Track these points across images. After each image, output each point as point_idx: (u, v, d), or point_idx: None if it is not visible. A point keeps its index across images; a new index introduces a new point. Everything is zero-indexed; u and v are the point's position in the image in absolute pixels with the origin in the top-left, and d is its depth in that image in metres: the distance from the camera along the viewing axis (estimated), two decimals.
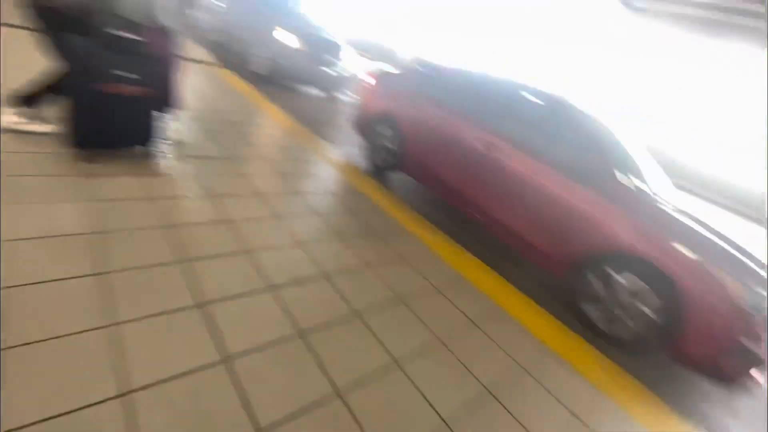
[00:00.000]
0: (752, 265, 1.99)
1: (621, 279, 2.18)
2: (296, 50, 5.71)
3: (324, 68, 6.00)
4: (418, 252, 2.33)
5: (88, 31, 1.90)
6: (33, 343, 1.07)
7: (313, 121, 4.80)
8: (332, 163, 3.32)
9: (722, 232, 2.24)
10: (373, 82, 3.79)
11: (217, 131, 3.09)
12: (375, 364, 1.41)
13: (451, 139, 3.04)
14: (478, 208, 2.85)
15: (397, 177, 3.87)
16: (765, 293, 1.90)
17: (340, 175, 3.09)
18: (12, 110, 2.03)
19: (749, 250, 2.15)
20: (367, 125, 3.77)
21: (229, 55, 7.14)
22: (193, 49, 5.97)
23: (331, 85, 6.28)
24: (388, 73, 3.75)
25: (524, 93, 2.91)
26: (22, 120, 2.05)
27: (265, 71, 5.90)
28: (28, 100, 2.01)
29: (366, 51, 17.48)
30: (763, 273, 1.96)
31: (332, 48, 6.17)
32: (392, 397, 1.30)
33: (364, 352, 1.45)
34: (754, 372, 1.93)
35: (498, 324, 1.90)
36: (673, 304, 2.01)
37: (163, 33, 2.14)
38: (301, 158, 3.16)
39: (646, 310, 2.10)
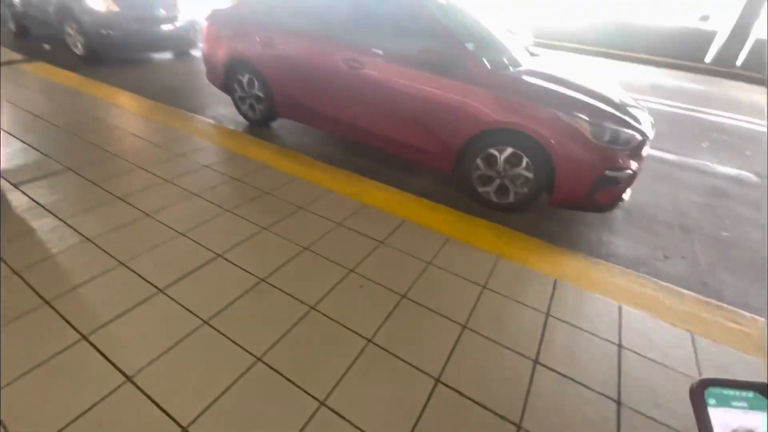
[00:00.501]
0: (602, 105, 2.23)
1: (497, 153, 2.36)
2: (117, 13, 4.79)
3: (157, 26, 5.15)
4: (313, 194, 2.31)
5: None
6: None
7: (165, 91, 4.23)
8: (200, 132, 3.02)
9: (572, 81, 2.45)
10: (208, 26, 3.33)
11: (48, 141, 2.62)
12: (291, 317, 1.45)
13: (315, 67, 2.84)
14: (359, 129, 2.82)
15: (278, 124, 3.65)
16: (616, 127, 2.15)
17: (212, 144, 2.84)
18: None
19: (597, 90, 2.40)
20: (223, 77, 3.39)
21: (39, 42, 5.84)
22: None
23: (172, 43, 5.47)
24: (220, 11, 3.30)
25: None
26: None
27: (88, 50, 4.95)
28: None
29: None
30: (612, 110, 2.21)
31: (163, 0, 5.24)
32: (312, 338, 1.37)
33: (278, 310, 1.47)
34: (623, 194, 2.27)
35: (404, 235, 2.02)
36: (542, 160, 2.24)
37: None
38: (162, 139, 2.83)
39: (525, 172, 2.32)
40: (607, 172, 2.16)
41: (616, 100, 2.41)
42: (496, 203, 2.51)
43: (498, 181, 2.44)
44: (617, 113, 2.22)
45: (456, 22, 2.69)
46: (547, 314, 1.61)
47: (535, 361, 1.37)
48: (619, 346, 1.49)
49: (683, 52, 10.15)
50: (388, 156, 3.13)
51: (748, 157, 4.10)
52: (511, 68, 2.48)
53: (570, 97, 2.23)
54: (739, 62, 9.44)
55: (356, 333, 1.41)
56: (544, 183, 2.31)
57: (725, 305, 1.77)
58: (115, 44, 4.91)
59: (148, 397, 1.13)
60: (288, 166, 2.62)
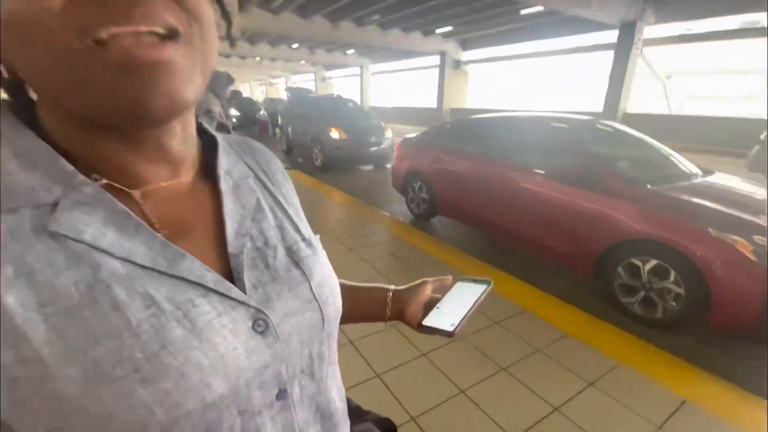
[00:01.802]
0: (755, 219, 2.04)
1: (640, 263, 2.32)
2: (346, 140, 6.92)
3: (368, 147, 7.11)
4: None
5: None
6: None
7: (363, 191, 5.65)
8: (380, 219, 3.98)
9: (741, 199, 2.31)
10: (399, 148, 4.56)
11: None
12: (441, 395, 1.64)
13: (470, 177, 3.53)
14: (505, 229, 3.20)
15: (436, 219, 4.36)
16: None
17: (385, 229, 3.72)
18: None
19: (747, 201, 2.20)
20: (402, 183, 4.46)
21: (297, 157, 8.70)
22: None
23: (376, 159, 7.36)
24: (408, 139, 4.52)
25: (518, 126, 3.38)
26: None
27: (323, 163, 7.19)
28: None
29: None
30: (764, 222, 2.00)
31: (376, 129, 7.35)
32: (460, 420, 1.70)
33: (430, 383, 1.71)
34: None
35: (563, 347, 2.00)
36: (693, 276, 2.10)
37: None
38: (353, 222, 3.88)
39: (674, 287, 2.19)
40: None
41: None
42: (641, 316, 2.36)
43: (642, 293, 2.34)
44: None
45: (607, 145, 3.00)
46: (659, 429, 1.48)
47: None
48: None
49: None
50: (529, 256, 3.33)
51: None
52: (669, 184, 2.51)
53: (728, 215, 2.11)
54: None
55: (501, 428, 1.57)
56: (700, 301, 2.11)
57: None
58: (341, 159, 7.03)
59: None
60: (435, 251, 3.18)
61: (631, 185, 2.47)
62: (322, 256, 0.42)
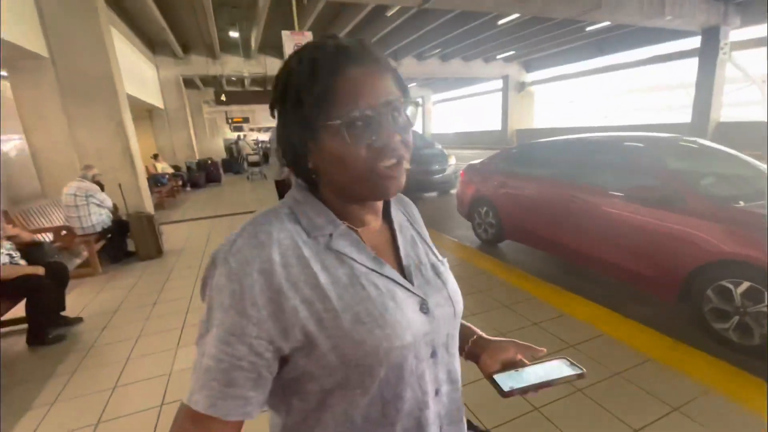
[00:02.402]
0: None
1: (732, 286, 2.17)
2: (409, 169, 7.19)
3: (432, 175, 7.31)
4: (521, 301, 2.78)
5: None
6: None
7: (429, 219, 5.82)
8: (447, 246, 4.12)
9: None
10: (463, 174, 4.70)
11: None
12: (515, 410, 1.71)
13: (538, 201, 3.55)
14: (578, 252, 3.15)
15: (507, 246, 4.36)
16: None
17: (453, 255, 3.84)
18: None
19: None
20: (468, 209, 4.56)
21: None
22: None
23: (439, 186, 7.52)
24: (472, 165, 4.65)
25: (589, 149, 3.36)
26: None
27: None
28: None
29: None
30: None
31: (438, 157, 7.56)
32: None
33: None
34: None
35: (648, 372, 1.94)
36: None
37: None
38: None
39: None
40: None
41: None
42: (738, 344, 2.19)
43: (736, 318, 2.18)
44: None
45: (690, 163, 2.88)
46: None
47: None
48: None
49: None
50: (607, 280, 3.22)
51: None
52: (759, 201, 2.34)
53: None
54: None
55: None
56: None
57: None
58: (404, 188, 7.31)
59: None
60: (504, 275, 3.23)
61: (716, 203, 2.35)
62: (450, 272, 0.63)
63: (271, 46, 12.70)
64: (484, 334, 0.68)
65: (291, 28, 8.16)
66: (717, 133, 11.45)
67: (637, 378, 1.89)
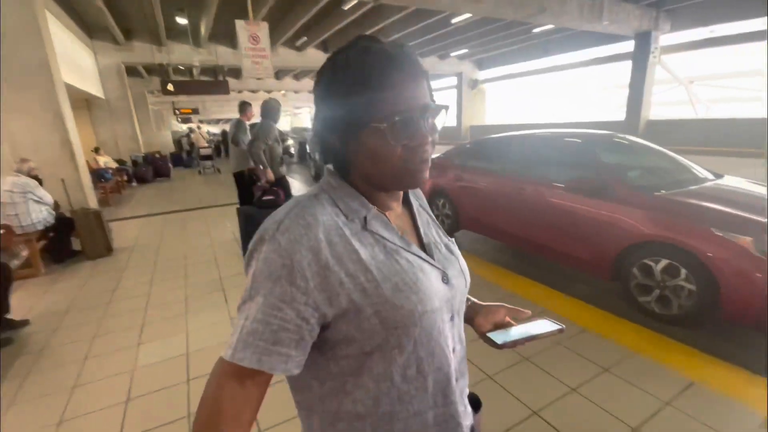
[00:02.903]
0: (759, 218, 2.21)
1: (653, 263, 2.51)
2: None
3: None
4: (474, 285, 3.00)
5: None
6: None
7: None
8: None
9: (745, 200, 2.49)
10: None
11: None
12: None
13: (493, 193, 3.80)
14: (529, 241, 3.43)
15: (462, 234, 4.61)
16: None
17: None
18: None
19: (752, 202, 2.37)
20: (427, 201, 4.76)
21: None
22: (301, 187, 8.01)
23: None
24: (432, 159, 4.86)
25: (535, 144, 3.65)
26: None
27: None
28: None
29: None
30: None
31: None
32: None
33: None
34: None
35: (583, 340, 2.23)
36: (702, 272, 2.28)
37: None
38: None
39: (685, 284, 2.37)
40: None
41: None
42: (658, 314, 2.54)
43: (657, 292, 2.53)
44: None
45: (621, 157, 3.23)
46: (667, 404, 1.68)
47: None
48: None
49: None
50: (552, 264, 3.54)
51: None
52: (677, 189, 2.72)
53: (728, 214, 2.31)
54: None
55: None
56: (711, 296, 2.28)
57: None
58: None
59: None
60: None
61: (639, 192, 2.69)
62: (458, 249, 0.71)
63: (222, 34, 12.19)
64: (477, 300, 0.78)
65: (244, 16, 7.91)
66: (647, 130, 12.64)
67: (575, 345, 2.16)
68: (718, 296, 2.23)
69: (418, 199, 0.72)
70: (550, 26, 12.11)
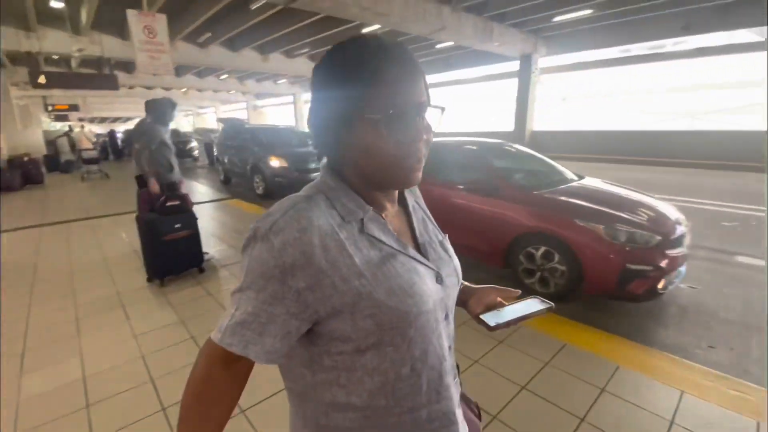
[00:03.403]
0: (620, 213, 2.81)
1: (534, 251, 3.00)
2: (287, 168, 7.20)
3: (311, 173, 7.44)
4: None
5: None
6: None
7: None
8: None
9: (600, 196, 3.13)
10: None
11: (237, 244, 4.25)
12: None
13: None
14: None
15: None
16: (632, 229, 2.68)
17: None
18: None
19: (605, 198, 3.01)
20: None
21: (236, 186, 8.77)
22: (209, 192, 7.54)
23: None
24: None
25: (439, 150, 4.04)
26: None
27: (265, 190, 7.39)
28: None
29: None
30: (629, 216, 2.78)
31: (315, 155, 7.69)
32: None
33: None
34: (657, 285, 2.60)
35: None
36: (570, 255, 2.80)
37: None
38: None
39: (558, 266, 2.88)
40: (630, 266, 2.59)
41: (643, 208, 2.94)
42: (540, 293, 3.02)
43: (539, 274, 3.02)
44: (634, 218, 2.74)
45: (509, 162, 3.75)
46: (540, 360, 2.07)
47: (582, 419, 1.73)
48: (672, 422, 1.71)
49: None
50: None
51: None
52: (550, 188, 3.27)
53: (586, 207, 2.88)
54: None
55: None
56: (577, 275, 2.81)
57: None
58: (283, 186, 7.26)
59: None
60: None
61: (522, 191, 3.19)
62: (452, 247, 0.72)
63: (110, 23, 10.84)
64: (468, 283, 0.78)
65: (138, 6, 7.21)
66: (531, 140, 14.57)
67: (473, 324, 2.48)
68: (583, 274, 2.77)
69: (413, 195, 0.72)
70: (450, 43, 13.22)
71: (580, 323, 2.54)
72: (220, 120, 14.27)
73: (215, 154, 9.81)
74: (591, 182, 3.66)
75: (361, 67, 0.51)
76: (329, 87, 0.54)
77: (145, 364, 2.19)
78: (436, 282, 0.61)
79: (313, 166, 7.49)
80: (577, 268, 2.78)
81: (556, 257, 2.88)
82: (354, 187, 0.58)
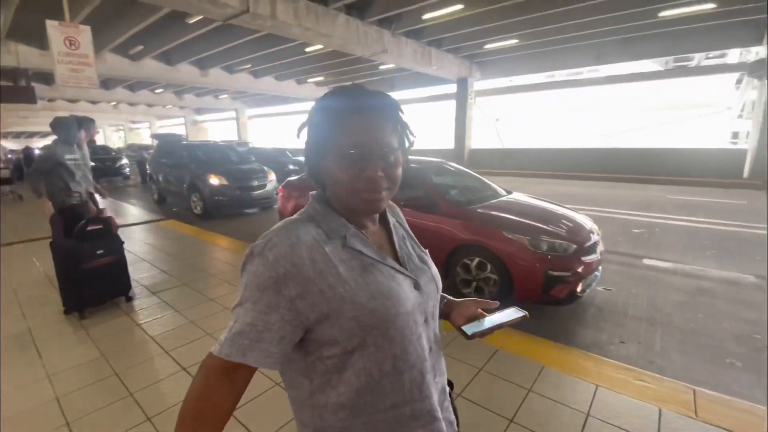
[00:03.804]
0: (541, 224, 3.07)
1: (469, 261, 3.18)
2: (227, 186, 6.94)
3: (251, 192, 7.22)
4: None
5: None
6: None
7: (251, 235, 5.79)
8: None
9: (525, 210, 3.40)
10: (282, 190, 4.97)
11: (172, 267, 4.00)
12: None
13: None
14: None
15: None
16: (552, 240, 2.94)
17: None
18: None
19: (529, 211, 3.28)
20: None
21: (171, 206, 8.26)
22: (141, 213, 7.03)
23: (261, 203, 7.48)
24: (290, 180, 4.99)
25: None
26: None
27: (204, 210, 7.04)
28: None
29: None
30: (551, 227, 3.05)
31: (258, 173, 7.51)
32: None
33: None
34: (576, 289, 2.87)
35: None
36: (501, 265, 3.01)
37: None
38: (237, 263, 4.09)
39: (491, 275, 3.07)
40: (551, 273, 2.84)
41: (562, 219, 3.24)
42: None
43: (474, 284, 3.20)
44: (554, 230, 3.02)
45: (447, 179, 3.97)
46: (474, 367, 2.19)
47: (511, 420, 1.88)
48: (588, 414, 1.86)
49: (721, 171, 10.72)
50: None
51: (757, 261, 4.30)
52: (482, 203, 3.49)
53: (513, 220, 3.13)
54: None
55: None
56: (508, 283, 3.01)
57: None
58: (223, 205, 6.97)
59: None
60: None
61: (458, 206, 3.38)
62: (431, 260, 0.80)
63: (27, 34, 9.90)
64: (451, 298, 0.87)
65: (59, 17, 6.68)
66: (470, 157, 15.44)
67: None
68: (513, 282, 2.98)
69: (395, 216, 0.81)
70: (393, 65, 13.73)
71: (511, 329, 2.71)
72: (154, 136, 13.43)
73: (149, 171, 9.21)
74: (518, 197, 3.97)
75: (335, 113, 0.62)
76: (316, 123, 0.65)
77: (59, 407, 1.98)
78: (414, 288, 0.69)
79: (256, 183, 7.30)
80: (507, 276, 2.99)
81: (489, 267, 3.08)
82: (338, 210, 0.68)
